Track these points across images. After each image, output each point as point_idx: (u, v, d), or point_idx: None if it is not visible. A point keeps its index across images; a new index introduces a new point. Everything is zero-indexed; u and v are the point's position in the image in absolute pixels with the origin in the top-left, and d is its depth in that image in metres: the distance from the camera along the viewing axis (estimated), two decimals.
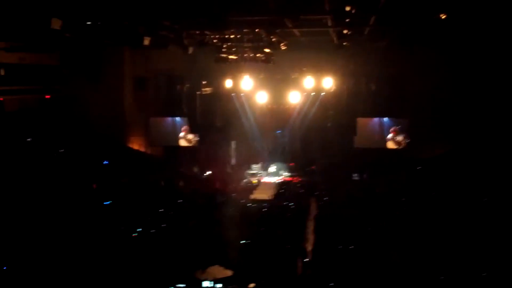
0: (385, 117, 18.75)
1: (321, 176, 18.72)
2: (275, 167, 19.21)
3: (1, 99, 15.18)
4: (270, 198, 15.54)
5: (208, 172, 18.69)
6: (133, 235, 10.54)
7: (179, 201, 13.70)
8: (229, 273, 8.39)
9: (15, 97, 15.75)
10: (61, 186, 12.94)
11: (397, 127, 18.00)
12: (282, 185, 17.41)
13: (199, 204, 13.24)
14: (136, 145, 20.36)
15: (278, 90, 19.06)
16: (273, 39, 13.71)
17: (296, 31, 14.27)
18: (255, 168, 19.36)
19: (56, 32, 10.30)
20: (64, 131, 16.60)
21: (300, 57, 18.34)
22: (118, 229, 10.55)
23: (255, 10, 11.12)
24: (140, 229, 10.70)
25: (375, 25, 12.76)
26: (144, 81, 19.75)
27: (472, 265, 8.33)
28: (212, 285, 7.96)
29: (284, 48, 14.60)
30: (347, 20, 10.94)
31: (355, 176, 18.28)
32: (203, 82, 19.40)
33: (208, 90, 19.64)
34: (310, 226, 12.07)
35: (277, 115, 19.83)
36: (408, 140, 17.98)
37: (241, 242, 9.84)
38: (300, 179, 18.56)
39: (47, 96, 17.75)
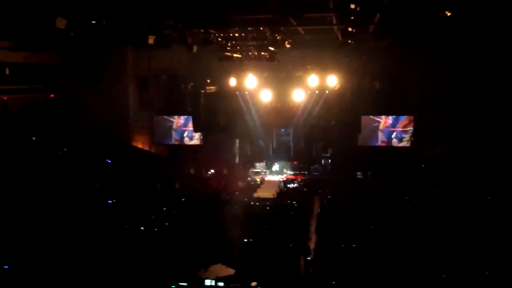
0: (389, 115, 18.75)
1: (324, 175, 18.72)
2: (279, 165, 19.17)
3: (5, 98, 15.29)
4: (274, 196, 15.53)
5: (212, 171, 18.68)
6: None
7: (182, 199, 13.71)
8: (231, 271, 8.38)
9: (18, 96, 15.85)
10: (65, 184, 13.01)
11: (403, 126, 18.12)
12: (286, 183, 17.36)
13: (202, 203, 13.23)
14: (140, 143, 20.45)
15: (282, 88, 19.01)
16: (277, 37, 13.68)
17: (300, 29, 14.24)
18: (259, 166, 19.35)
19: (60, 31, 10.35)
20: (68, 130, 16.68)
21: (304, 55, 18.33)
22: (122, 228, 10.58)
23: (257, 9, 11.10)
24: (143, 228, 10.73)
25: (379, 23, 12.72)
26: (147, 80, 19.81)
27: (474, 263, 8.30)
28: (214, 283, 7.95)
29: (288, 46, 14.57)
30: (351, 18, 10.90)
31: (359, 174, 18.25)
32: (207, 81, 19.37)
33: (212, 88, 19.57)
34: (313, 224, 12.06)
35: (281, 113, 19.76)
36: (413, 138, 18.01)
37: (244, 240, 9.83)
38: (303, 178, 18.53)
39: (52, 95, 17.87)
